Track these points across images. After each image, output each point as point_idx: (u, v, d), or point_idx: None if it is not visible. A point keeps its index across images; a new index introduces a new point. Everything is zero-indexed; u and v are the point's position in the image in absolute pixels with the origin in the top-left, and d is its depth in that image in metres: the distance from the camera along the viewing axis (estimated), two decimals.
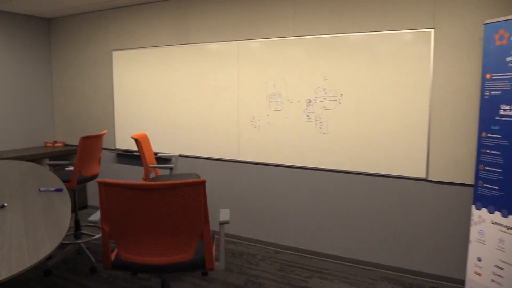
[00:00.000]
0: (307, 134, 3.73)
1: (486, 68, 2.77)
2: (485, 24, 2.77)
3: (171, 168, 3.42)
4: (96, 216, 1.82)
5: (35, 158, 4.75)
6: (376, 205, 3.51)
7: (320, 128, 3.66)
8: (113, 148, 5.05)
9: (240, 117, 4.06)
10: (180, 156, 4.51)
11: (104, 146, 5.13)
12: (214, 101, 4.21)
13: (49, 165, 3.51)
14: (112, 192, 1.68)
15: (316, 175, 3.75)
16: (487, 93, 2.77)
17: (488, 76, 2.77)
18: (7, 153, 4.74)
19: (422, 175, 3.28)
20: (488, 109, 2.77)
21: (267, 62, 3.86)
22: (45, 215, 1.84)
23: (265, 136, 3.95)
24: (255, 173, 4.07)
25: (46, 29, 5.41)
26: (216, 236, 3.82)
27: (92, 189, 5.37)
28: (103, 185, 1.68)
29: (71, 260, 3.67)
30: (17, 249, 1.46)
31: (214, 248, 2.04)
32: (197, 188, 1.67)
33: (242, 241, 4.20)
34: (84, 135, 3.51)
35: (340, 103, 3.55)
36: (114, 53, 4.88)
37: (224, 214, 2.17)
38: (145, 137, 3.79)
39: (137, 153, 4.68)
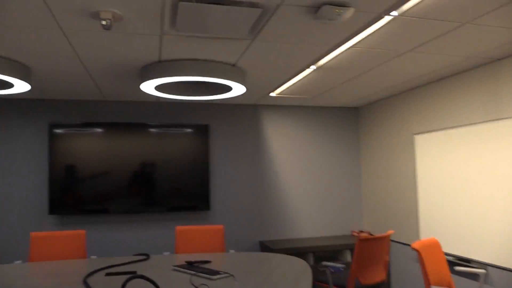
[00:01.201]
0: None
1: None
2: None
3: None
4: None
5: (335, 249, 4.67)
6: None
7: None
8: None
9: None
10: (494, 266, 3.31)
11: (404, 241, 4.51)
12: None
13: (325, 266, 3.26)
14: None
15: None
16: None
17: None
18: (312, 241, 4.89)
19: None
20: None
21: None
22: None
23: None
24: None
25: (354, 118, 5.53)
26: None
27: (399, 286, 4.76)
28: None
29: None
30: None
31: None
32: None
33: None
34: (365, 236, 3.11)
35: None
36: (416, 137, 4.34)
37: None
38: (432, 246, 2.94)
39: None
